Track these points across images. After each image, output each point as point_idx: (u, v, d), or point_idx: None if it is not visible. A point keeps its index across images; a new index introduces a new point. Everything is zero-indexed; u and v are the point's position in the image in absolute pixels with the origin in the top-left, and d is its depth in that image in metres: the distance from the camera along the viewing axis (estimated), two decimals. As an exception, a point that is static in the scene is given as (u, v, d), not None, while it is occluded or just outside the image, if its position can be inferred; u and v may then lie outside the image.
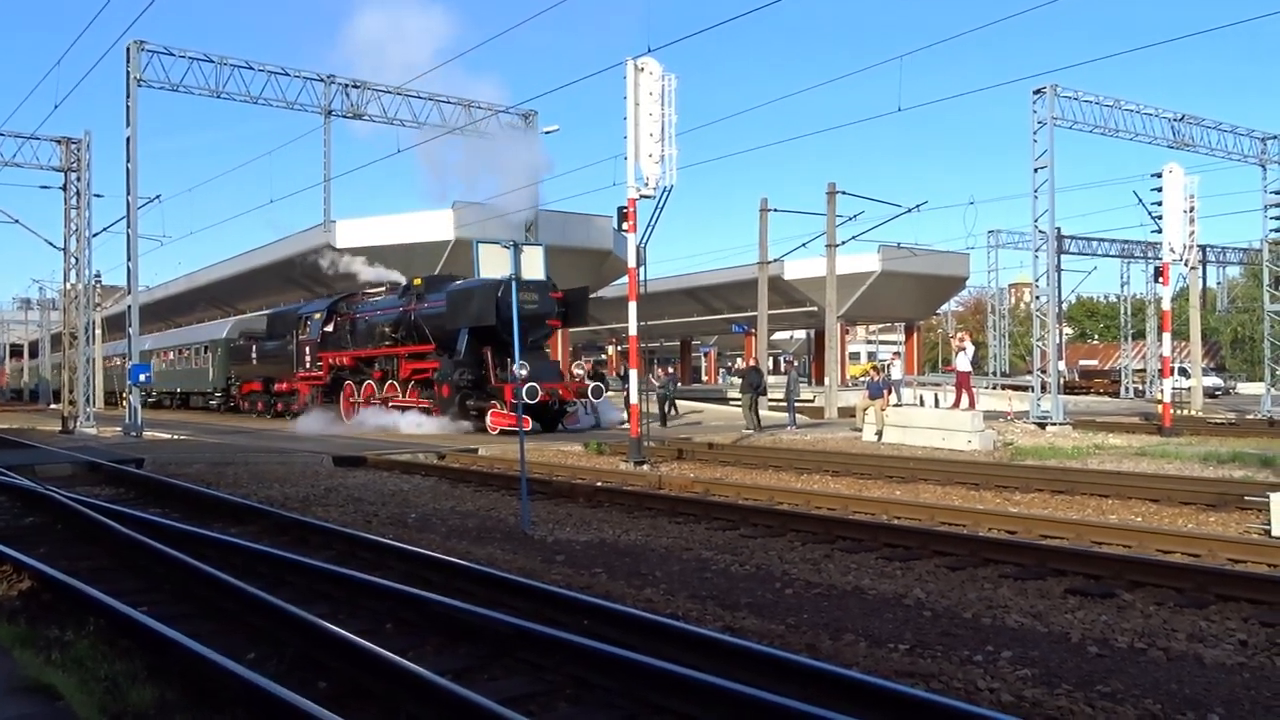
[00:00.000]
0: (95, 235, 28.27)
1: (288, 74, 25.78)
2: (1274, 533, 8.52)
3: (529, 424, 18.06)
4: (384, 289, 27.97)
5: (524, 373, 17.05)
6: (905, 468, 13.98)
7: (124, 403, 28.31)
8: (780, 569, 7.55)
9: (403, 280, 28.19)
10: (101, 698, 4.36)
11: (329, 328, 27.46)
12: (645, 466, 14.77)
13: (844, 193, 30.18)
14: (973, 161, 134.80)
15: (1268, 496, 8.93)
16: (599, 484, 12.46)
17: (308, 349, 28.20)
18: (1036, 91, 24.93)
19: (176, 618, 5.70)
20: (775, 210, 34.00)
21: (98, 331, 38.74)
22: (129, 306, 24.57)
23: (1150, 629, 5.70)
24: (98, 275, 39.35)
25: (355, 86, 26.79)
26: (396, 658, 4.49)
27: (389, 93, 27.24)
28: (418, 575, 6.98)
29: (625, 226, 16.16)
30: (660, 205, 16.08)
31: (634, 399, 15.62)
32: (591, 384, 23.11)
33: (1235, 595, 6.31)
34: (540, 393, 20.23)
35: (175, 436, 22.66)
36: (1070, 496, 11.19)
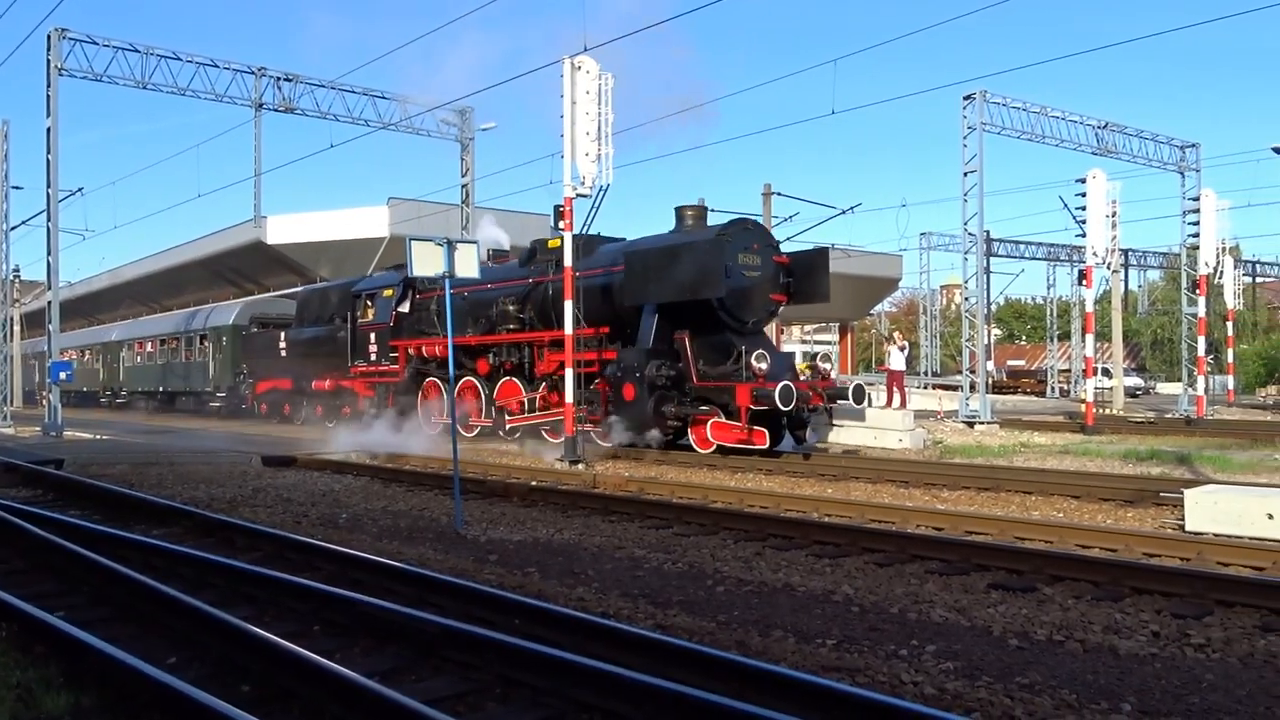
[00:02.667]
0: (13, 229, 27.45)
1: (217, 66, 25.23)
2: (1188, 528, 8.80)
3: (764, 439, 14.48)
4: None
5: (764, 366, 14.56)
6: (837, 466, 14.16)
7: (43, 401, 27.47)
8: (712, 567, 7.60)
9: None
10: (13, 705, 4.23)
11: (404, 307, 21.52)
12: (580, 465, 14.75)
13: (779, 194, 30.46)
14: (906, 164, 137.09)
15: (1182, 493, 9.22)
16: (534, 483, 12.42)
17: (373, 337, 22.09)
18: (966, 97, 25.46)
19: (94, 622, 5.55)
20: (712, 210, 34.13)
21: (16, 328, 37.43)
22: (49, 302, 23.84)
23: (1068, 621, 5.85)
24: (16, 270, 38.10)
25: (287, 80, 26.33)
26: (320, 659, 4.43)
27: (323, 86, 26.83)
28: (347, 576, 6.89)
29: (562, 225, 16.12)
30: (596, 204, 16.05)
31: (569, 398, 15.58)
32: (851, 383, 16.82)
33: (1149, 588, 6.51)
34: (794, 396, 14.59)
35: (98, 436, 22.06)
36: (996, 493, 11.44)
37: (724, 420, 14.96)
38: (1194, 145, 31.35)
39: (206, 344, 32.49)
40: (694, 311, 15.64)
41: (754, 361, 13.18)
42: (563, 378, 16.00)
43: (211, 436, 22.12)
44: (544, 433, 18.15)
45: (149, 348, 36.86)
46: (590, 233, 17.30)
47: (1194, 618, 5.90)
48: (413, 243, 9.80)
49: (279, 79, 26.19)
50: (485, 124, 30.63)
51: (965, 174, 24.78)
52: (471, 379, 19.79)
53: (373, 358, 22.13)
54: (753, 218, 18.38)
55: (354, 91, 27.26)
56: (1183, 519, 8.96)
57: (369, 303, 22.55)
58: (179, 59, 24.55)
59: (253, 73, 25.85)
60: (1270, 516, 8.46)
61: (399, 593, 6.29)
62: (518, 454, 17.10)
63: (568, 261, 15.80)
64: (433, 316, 20.55)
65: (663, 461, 15.62)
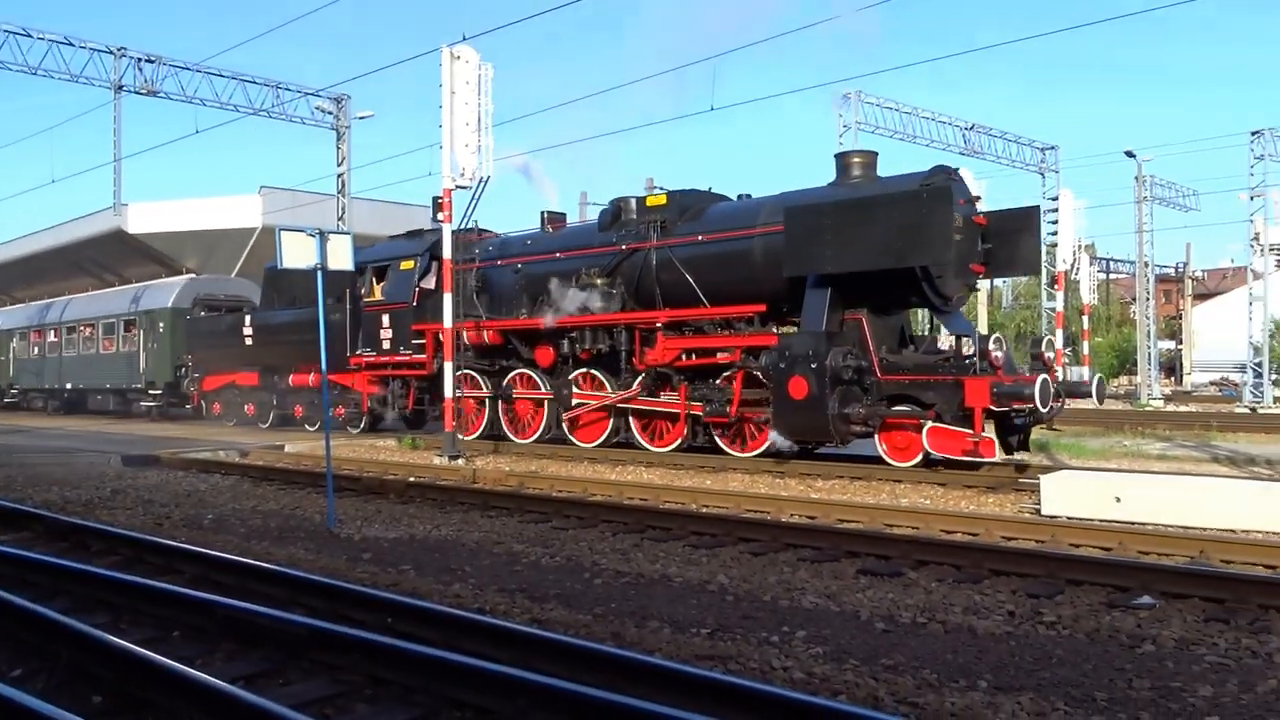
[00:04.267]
0: None
1: (72, 44, 23.93)
2: (1043, 511, 9.24)
3: (993, 449, 11.29)
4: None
5: (1001, 354, 11.88)
6: (716, 458, 14.35)
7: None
8: (590, 560, 7.62)
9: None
10: None
11: (428, 282, 17.54)
12: (460, 461, 14.57)
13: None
14: (786, 161, 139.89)
15: (1038, 479, 9.67)
16: (411, 479, 12.21)
17: (386, 319, 17.99)
18: (843, 96, 26.14)
19: (-71, 634, 5.21)
20: (593, 204, 34.16)
21: None
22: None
23: (931, 604, 6.08)
24: None
25: (150, 61, 25.14)
26: (177, 665, 4.26)
27: (188, 69, 25.73)
28: (210, 579, 6.65)
29: (441, 217, 15.88)
30: (477, 196, 15.82)
31: (448, 393, 15.37)
32: (1086, 372, 13.77)
33: (1006, 570, 6.81)
34: (1051, 395, 11.46)
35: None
36: (867, 482, 11.79)
37: (945, 425, 11.43)
38: (1053, 147, 32.94)
39: (135, 331, 26.82)
40: (879, 285, 12.33)
41: (991, 349, 10.76)
42: (682, 370, 14.12)
43: (81, 439, 20.99)
44: (644, 439, 14.95)
45: (51, 337, 30.76)
46: (690, 189, 15.16)
47: (1047, 597, 6.20)
48: (282, 233, 9.50)
49: (140, 60, 24.99)
50: (362, 112, 29.96)
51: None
52: (527, 372, 16.36)
53: (385, 345, 18.03)
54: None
55: (222, 75, 26.26)
56: (1039, 503, 9.40)
57: (378, 278, 18.41)
58: (29, 35, 23.19)
59: (112, 53, 24.59)
60: (1118, 499, 8.95)
61: (267, 594, 6.11)
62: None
63: (447, 254, 15.57)
64: (471, 293, 16.76)
65: (544, 455, 15.56)
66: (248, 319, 21.76)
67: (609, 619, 5.84)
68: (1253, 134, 31.35)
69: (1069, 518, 8.95)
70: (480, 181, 15.72)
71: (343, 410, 19.41)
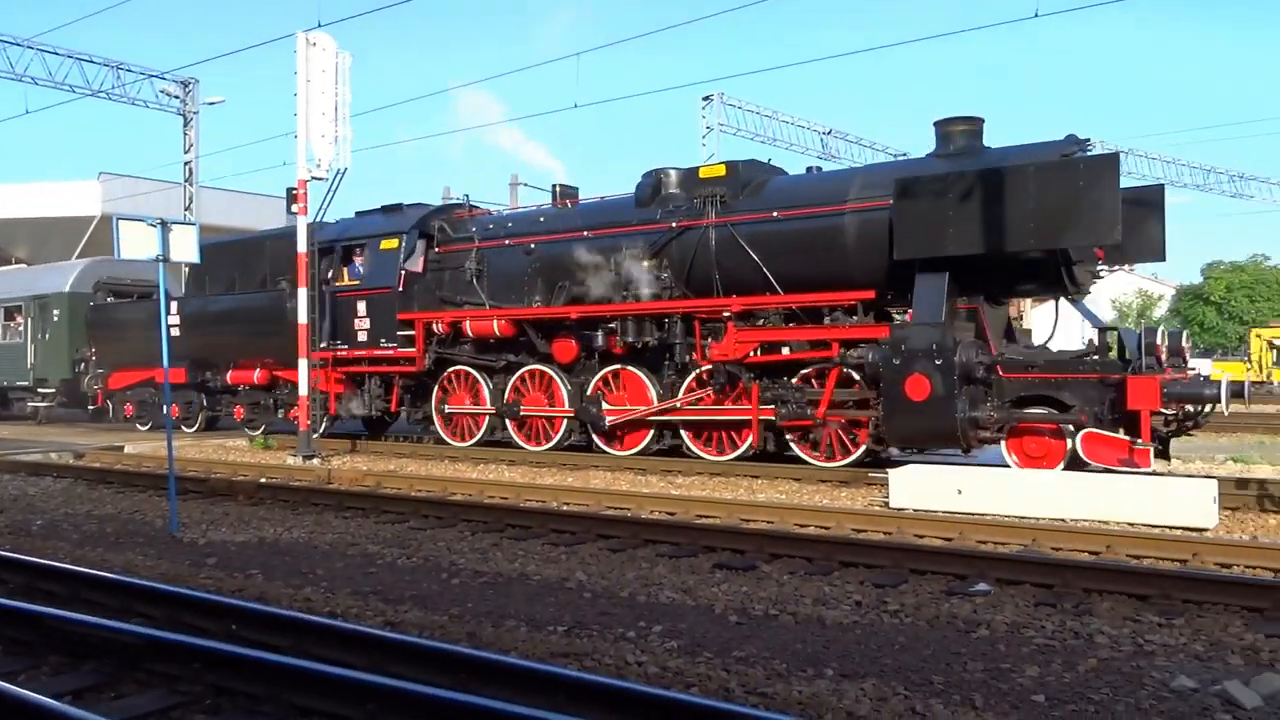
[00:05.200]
0: None
1: (-116, 14, 22.12)
2: (892, 504, 9.61)
3: (1148, 458, 9.70)
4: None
5: (1165, 349, 10.21)
6: (580, 455, 14.34)
7: None
8: (448, 560, 7.52)
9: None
10: None
11: (414, 264, 15.48)
12: (315, 461, 14.15)
13: (526, 184, 30.53)
14: (649, 160, 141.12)
15: (887, 473, 10.06)
16: (262, 480, 11.78)
17: (361, 307, 15.69)
18: (705, 98, 26.56)
19: None
20: (455, 199, 33.72)
21: None
22: None
23: (783, 596, 6.24)
24: None
25: (-27, 36, 23.48)
26: (-3, 682, 4.00)
27: (17, 44, 24.14)
28: (38, 589, 6.27)
29: (295, 209, 15.39)
30: (333, 188, 15.41)
31: (303, 390, 14.90)
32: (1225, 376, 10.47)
33: (855, 561, 7.06)
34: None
35: None
36: (727, 478, 12.01)
37: (1099, 430, 9.84)
38: (906, 154, 34.23)
39: (19, 321, 22.92)
40: (1008, 269, 10.94)
41: (1161, 343, 9.49)
42: (752, 367, 12.26)
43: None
44: (698, 447, 12.99)
45: None
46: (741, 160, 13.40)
47: (892, 586, 6.46)
48: (121, 223, 9.00)
49: (-37, 34, 23.30)
50: (212, 98, 28.74)
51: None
52: (543, 369, 14.25)
53: (360, 337, 15.70)
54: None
55: (56, 53, 24.73)
56: (888, 497, 9.77)
57: (350, 258, 16.16)
58: None
59: (-69, 25, 22.83)
60: (960, 492, 9.39)
61: (101, 604, 5.80)
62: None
63: (302, 248, 15.08)
64: (469, 277, 14.83)
65: (404, 454, 15.27)
66: (174, 306, 18.67)
67: (465, 619, 5.77)
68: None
69: (915, 510, 9.35)
70: (337, 173, 15.32)
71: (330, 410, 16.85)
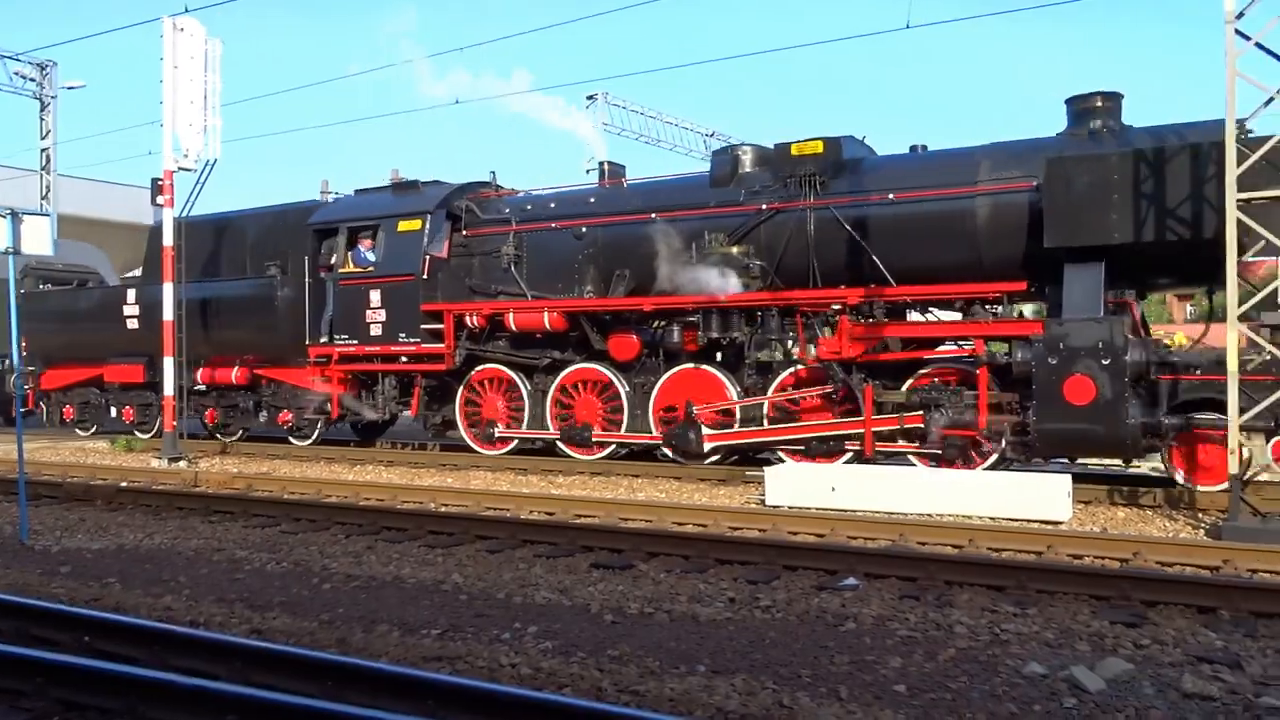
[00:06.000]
0: None
1: None
2: (768, 502, 9.80)
3: None
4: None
5: None
6: (462, 456, 14.17)
7: None
8: (320, 564, 7.33)
9: None
10: None
11: (437, 249, 13.91)
12: (182, 463, 13.61)
13: (406, 179, 29.93)
14: (534, 159, 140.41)
15: (764, 471, 10.25)
16: (123, 484, 11.27)
17: (375, 297, 13.91)
18: (589, 97, 26.57)
19: None
20: (335, 194, 32.90)
21: None
22: None
23: (658, 594, 6.30)
24: None
25: None
26: None
27: None
28: None
29: (161, 200, 14.77)
30: (202, 179, 14.85)
31: (169, 390, 14.31)
32: None
33: (730, 559, 7.18)
34: None
35: None
36: (607, 478, 12.04)
37: None
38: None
39: None
40: (1174, 259, 9.91)
41: None
42: (864, 367, 11.02)
43: None
44: (783, 459, 11.39)
45: None
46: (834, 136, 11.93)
47: (765, 582, 6.59)
48: (-36, 212, 8.45)
49: None
50: (72, 82, 27.30)
51: (586, 171, 25.80)
52: (594, 368, 12.87)
53: (373, 331, 13.93)
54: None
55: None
56: (764, 494, 9.96)
57: (356, 242, 14.39)
58: None
59: None
60: (833, 489, 9.64)
61: (-63, 618, 5.44)
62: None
63: (168, 240, 14.48)
64: (506, 263, 13.36)
65: (277, 456, 14.82)
66: (131, 295, 16.75)
67: (336, 625, 5.65)
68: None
69: (790, 507, 9.55)
70: (207, 164, 14.77)
71: (289, 416, 15.40)
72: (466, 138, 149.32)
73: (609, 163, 14.22)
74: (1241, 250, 8.45)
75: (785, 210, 11.57)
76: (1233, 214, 8.21)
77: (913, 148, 12.11)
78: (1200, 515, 9.02)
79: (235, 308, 15.54)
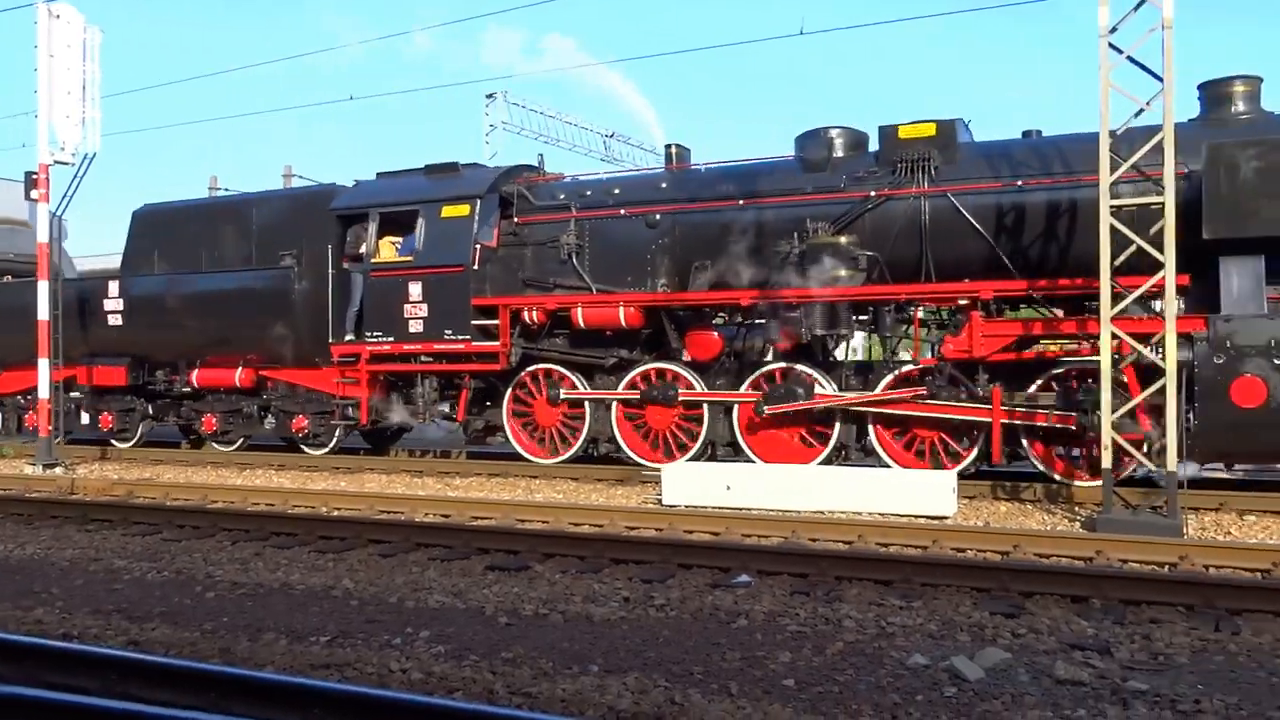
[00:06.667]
0: None
1: None
2: (665, 501, 9.88)
3: None
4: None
5: None
6: (353, 459, 13.92)
7: None
8: (204, 572, 7.10)
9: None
10: None
11: (486, 237, 12.70)
12: (58, 470, 13.02)
13: (301, 177, 29.26)
14: (430, 157, 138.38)
15: (660, 470, 10.32)
16: (-8, 492, 10.73)
17: (415, 290, 12.62)
18: (489, 95, 26.36)
19: None
20: (225, 190, 31.94)
21: None
22: None
23: (554, 595, 6.28)
24: None
25: None
26: None
27: None
28: None
29: (36, 195, 14.14)
30: (80, 173, 14.26)
31: (44, 393, 13.68)
32: None
33: (626, 558, 7.20)
34: None
35: None
36: (505, 479, 11.97)
37: None
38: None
39: None
40: None
41: None
42: (993, 367, 10.25)
43: None
44: (891, 456, 10.83)
45: None
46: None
47: (659, 581, 6.63)
48: None
49: None
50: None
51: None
52: (672, 369, 11.81)
53: (413, 327, 12.61)
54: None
55: None
56: (661, 494, 10.03)
57: (388, 230, 13.08)
58: None
59: None
60: (729, 488, 9.77)
61: None
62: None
63: (43, 237, 13.86)
64: (566, 253, 12.29)
65: (160, 461, 14.30)
66: (114, 287, 14.96)
67: (220, 634, 5.47)
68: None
69: (687, 506, 9.65)
70: (85, 158, 14.20)
71: (306, 421, 13.89)
72: (360, 132, 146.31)
73: (676, 146, 12.85)
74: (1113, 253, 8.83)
75: (895, 198, 10.84)
76: (1106, 220, 8.60)
77: (1025, 133, 11.26)
78: (1077, 509, 9.43)
79: (240, 302, 13.97)
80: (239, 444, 14.71)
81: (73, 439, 15.82)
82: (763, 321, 11.41)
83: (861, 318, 11.34)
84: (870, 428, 10.87)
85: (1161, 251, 8.39)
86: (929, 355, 10.86)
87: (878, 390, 10.76)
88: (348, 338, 13.12)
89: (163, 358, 14.84)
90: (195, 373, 14.42)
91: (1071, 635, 5.36)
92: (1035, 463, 10.20)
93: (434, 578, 6.82)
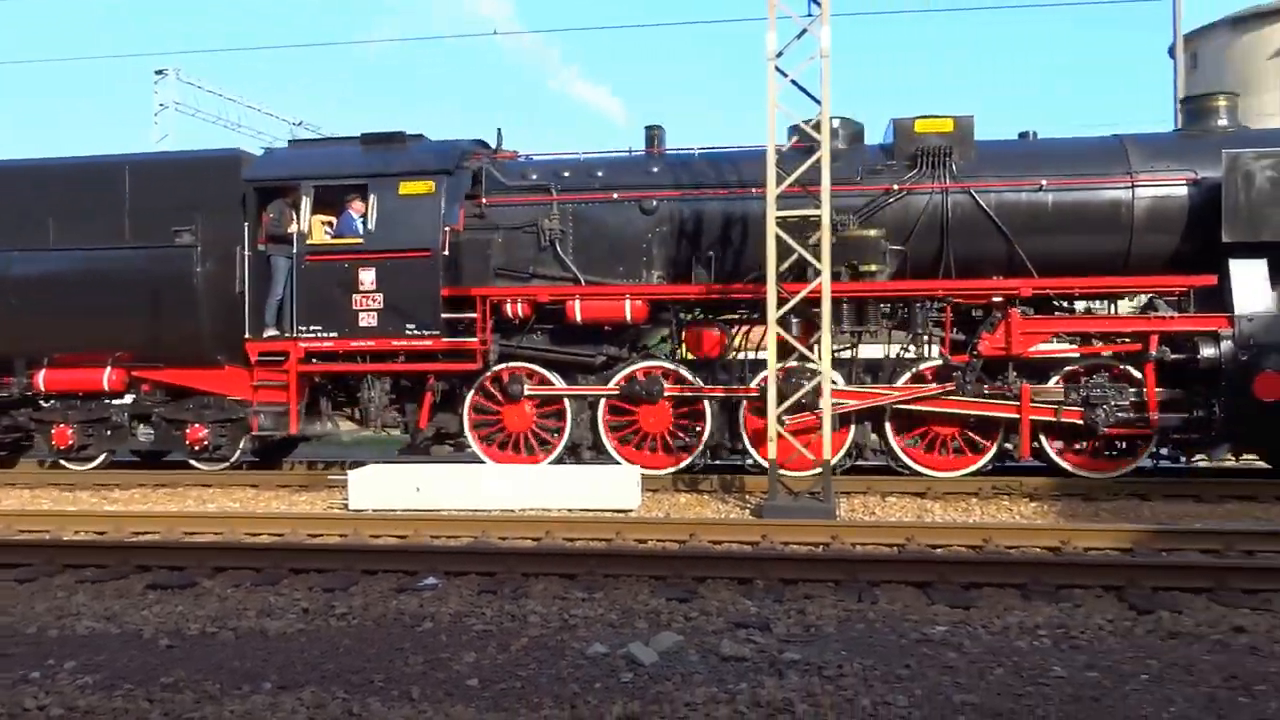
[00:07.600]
0: None
1: None
2: (351, 506, 9.56)
3: None
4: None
5: None
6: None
7: None
8: None
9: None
10: None
11: (456, 221, 11.01)
12: None
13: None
14: (87, 134, 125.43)
15: (347, 475, 9.97)
16: None
17: (370, 278, 10.79)
18: (158, 72, 24.40)
19: None
20: None
21: None
22: None
23: (224, 612, 5.89)
24: None
25: None
26: None
27: None
28: None
29: None
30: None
31: None
32: None
33: (307, 567, 6.90)
34: None
35: None
36: (173, 489, 11.07)
37: None
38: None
39: None
40: None
41: None
42: (1023, 365, 10.09)
43: None
44: (911, 457, 10.50)
45: None
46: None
47: (342, 589, 6.41)
48: None
49: None
50: None
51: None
52: (666, 366, 10.89)
53: (364, 321, 10.78)
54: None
55: None
56: (348, 499, 9.69)
57: (324, 206, 11.17)
58: None
59: None
60: (418, 489, 9.62)
61: None
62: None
63: None
64: (547, 240, 10.95)
65: None
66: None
67: None
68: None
69: (375, 510, 9.38)
70: None
71: (204, 431, 11.42)
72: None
73: (657, 127, 11.67)
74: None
75: (917, 192, 10.59)
76: (772, 229, 9.32)
77: (1022, 134, 11.41)
78: (748, 497, 10.14)
79: (114, 288, 11.27)
80: (99, 460, 12.11)
81: None
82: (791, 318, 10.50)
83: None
84: (886, 424, 10.59)
85: (819, 260, 9.24)
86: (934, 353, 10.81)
87: (898, 385, 10.53)
88: (269, 333, 11.11)
89: (16, 349, 11.81)
90: (41, 373, 11.72)
91: (737, 615, 5.76)
92: (1054, 457, 10.40)
93: (83, 602, 6.18)
